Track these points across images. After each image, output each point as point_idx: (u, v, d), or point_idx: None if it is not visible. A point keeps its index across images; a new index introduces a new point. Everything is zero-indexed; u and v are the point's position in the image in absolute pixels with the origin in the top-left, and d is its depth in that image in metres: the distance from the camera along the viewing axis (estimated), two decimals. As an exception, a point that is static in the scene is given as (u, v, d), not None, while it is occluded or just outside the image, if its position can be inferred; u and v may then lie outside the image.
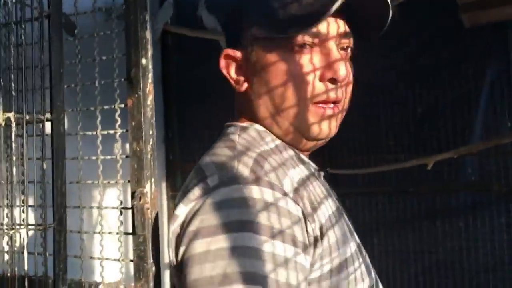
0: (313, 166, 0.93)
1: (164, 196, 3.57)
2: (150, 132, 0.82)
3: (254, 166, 0.73)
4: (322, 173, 0.96)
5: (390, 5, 0.80)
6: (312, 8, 0.72)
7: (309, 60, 0.78)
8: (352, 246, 0.84)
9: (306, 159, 0.92)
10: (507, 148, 2.77)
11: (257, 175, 0.71)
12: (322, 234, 0.73)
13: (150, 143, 0.82)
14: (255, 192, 0.68)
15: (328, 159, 3.17)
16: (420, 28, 2.88)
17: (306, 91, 0.78)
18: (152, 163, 0.83)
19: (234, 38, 0.87)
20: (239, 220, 0.64)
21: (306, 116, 0.81)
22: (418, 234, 2.96)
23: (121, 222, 1.35)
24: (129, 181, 0.84)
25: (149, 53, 0.84)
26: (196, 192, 0.71)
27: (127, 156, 0.83)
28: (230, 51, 0.86)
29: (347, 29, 0.82)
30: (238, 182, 0.69)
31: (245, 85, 0.85)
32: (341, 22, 0.81)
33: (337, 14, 0.78)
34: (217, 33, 3.01)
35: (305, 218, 0.72)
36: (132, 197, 0.79)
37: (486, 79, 2.83)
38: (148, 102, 0.81)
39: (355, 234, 0.94)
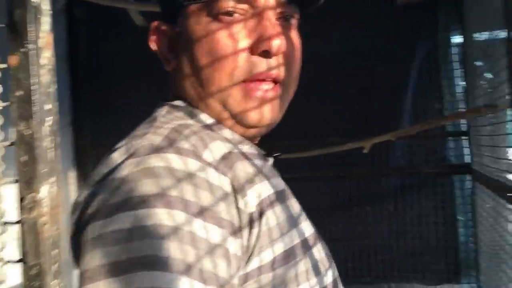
0: (257, 148, 0.77)
1: (72, 187, 3.18)
2: (49, 106, 0.51)
3: (169, 134, 0.62)
4: (270, 159, 0.78)
5: None
6: None
7: (238, 30, 0.66)
8: (304, 233, 0.70)
9: (245, 140, 0.74)
10: (434, 131, 2.74)
11: (169, 142, 0.60)
12: (260, 212, 0.60)
13: (48, 123, 0.52)
14: (165, 160, 0.56)
15: (267, 143, 2.98)
16: (353, 7, 2.74)
17: (232, 65, 0.66)
18: (50, 153, 0.53)
19: (165, 9, 0.75)
20: (143, 195, 0.53)
21: (237, 96, 0.68)
22: (349, 219, 2.87)
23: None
24: (16, 181, 0.54)
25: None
26: (100, 171, 0.60)
27: (12, 144, 0.54)
28: (159, 24, 0.74)
29: None
30: (145, 152, 0.58)
31: (174, 62, 0.73)
32: None
33: None
34: (129, 2, 2.67)
35: (234, 191, 0.59)
36: (21, 206, 0.51)
37: (415, 59, 2.78)
38: (44, 61, 0.51)
39: (309, 223, 0.76)
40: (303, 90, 2.85)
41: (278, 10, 0.69)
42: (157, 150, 0.58)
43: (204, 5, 0.67)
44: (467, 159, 2.69)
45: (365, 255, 2.82)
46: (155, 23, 0.74)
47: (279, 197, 0.68)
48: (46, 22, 0.56)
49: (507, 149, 1.90)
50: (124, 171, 0.56)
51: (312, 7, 0.74)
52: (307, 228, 0.73)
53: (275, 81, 0.69)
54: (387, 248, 2.83)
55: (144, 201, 0.52)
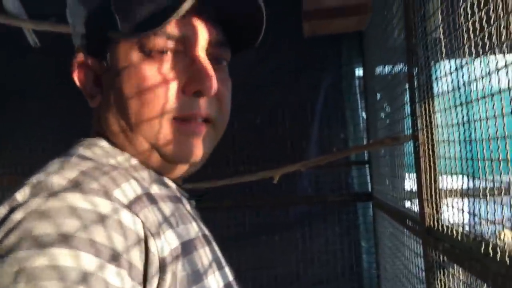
0: (180, 192, 0.74)
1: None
2: None
3: (77, 176, 0.56)
4: (192, 202, 0.74)
5: (264, 15, 0.70)
6: (166, 5, 0.61)
7: (170, 68, 0.65)
8: (220, 280, 0.67)
9: (170, 182, 0.72)
10: (339, 161, 2.82)
11: (75, 183, 0.55)
12: (174, 257, 0.58)
13: None
14: (69, 200, 0.51)
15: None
16: (264, 34, 2.77)
17: (164, 102, 0.64)
18: None
19: (91, 42, 0.68)
20: (40, 235, 0.47)
21: (167, 133, 0.66)
22: (256, 249, 2.84)
23: None
24: None
25: None
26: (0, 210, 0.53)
27: None
28: (84, 58, 0.69)
29: (221, 38, 0.70)
30: (48, 193, 0.52)
31: (99, 98, 0.69)
32: (213, 29, 0.68)
33: (210, 21, 0.68)
34: (25, 21, 2.48)
35: (147, 235, 0.55)
36: None
37: (321, 91, 2.86)
38: None
39: (227, 269, 0.72)
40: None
41: (211, 51, 0.68)
42: (60, 191, 0.52)
43: (136, 41, 0.64)
44: (370, 187, 2.80)
45: (273, 284, 2.80)
46: (80, 57, 0.69)
47: (199, 242, 0.66)
48: None
49: (404, 177, 1.99)
50: (20, 214, 0.50)
51: (245, 50, 0.75)
52: (225, 276, 0.69)
53: (205, 120, 0.69)
54: (295, 276, 2.84)
55: (41, 242, 0.46)
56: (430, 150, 1.47)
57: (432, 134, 1.45)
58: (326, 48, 2.84)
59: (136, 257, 0.52)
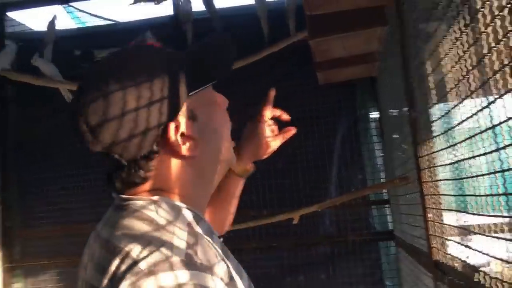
0: (216, 232, 0.81)
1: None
2: None
3: (188, 243, 0.67)
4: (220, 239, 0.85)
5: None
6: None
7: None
8: None
9: (211, 226, 0.80)
10: (358, 200, 2.91)
11: (190, 258, 0.65)
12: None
13: None
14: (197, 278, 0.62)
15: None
16: (280, 84, 2.96)
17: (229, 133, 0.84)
18: None
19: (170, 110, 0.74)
20: None
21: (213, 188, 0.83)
22: (282, 289, 2.92)
23: None
24: None
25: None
26: (131, 278, 0.62)
27: None
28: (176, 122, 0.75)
29: None
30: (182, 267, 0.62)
31: (197, 149, 0.77)
32: None
33: None
34: (70, 84, 2.73)
35: None
36: None
37: (338, 134, 3.00)
38: None
39: None
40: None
41: None
42: (188, 266, 0.63)
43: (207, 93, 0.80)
44: (391, 226, 2.87)
45: (300, 326, 2.85)
46: (173, 123, 0.73)
47: (238, 275, 0.74)
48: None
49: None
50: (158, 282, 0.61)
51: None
52: None
53: None
54: (321, 318, 2.89)
55: None
56: (433, 188, 1.56)
57: (434, 173, 1.55)
58: (341, 93, 2.99)
59: None
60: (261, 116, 1.10)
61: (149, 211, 0.72)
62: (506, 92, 0.80)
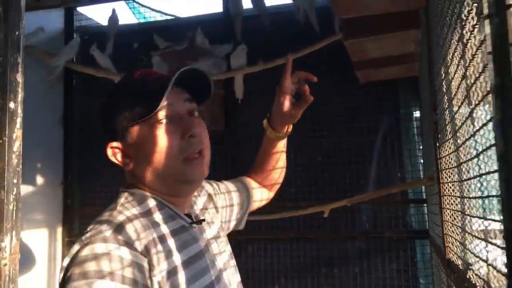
0: (185, 219, 1.06)
1: (59, 243, 3.36)
2: (15, 181, 0.77)
3: (116, 226, 0.91)
4: (193, 225, 1.03)
5: (210, 81, 1.05)
6: (153, 96, 0.97)
7: (170, 128, 0.99)
8: (211, 282, 1.00)
9: (180, 213, 1.06)
10: (396, 198, 2.95)
11: (115, 236, 0.89)
12: (168, 278, 0.91)
13: (14, 192, 0.77)
14: (110, 248, 0.87)
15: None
16: (321, 82, 3.04)
17: (175, 150, 0.99)
18: (14, 214, 0.78)
19: (113, 131, 1.04)
20: (95, 270, 0.84)
21: (182, 168, 1.00)
22: (316, 280, 3.02)
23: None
24: (-11, 233, 0.78)
25: (19, 97, 0.80)
26: (75, 246, 0.90)
27: (-13, 206, 0.78)
28: (113, 144, 1.03)
29: (190, 98, 1.04)
30: (98, 241, 0.88)
31: (131, 164, 1.03)
32: (182, 94, 1.03)
33: (178, 89, 1.02)
34: (117, 74, 2.96)
35: (150, 266, 0.90)
36: (-11, 251, 0.74)
37: (379, 132, 3.04)
38: (15, 149, 0.76)
39: (224, 273, 1.07)
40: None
41: (188, 109, 1.04)
42: (104, 240, 0.88)
43: (143, 121, 0.99)
44: (428, 225, 2.88)
45: (332, 316, 2.95)
46: (111, 144, 1.03)
47: (191, 261, 0.97)
48: (18, 122, 0.81)
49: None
50: (86, 252, 0.87)
51: (205, 101, 1.09)
52: (216, 277, 0.99)
53: (199, 152, 1.02)
54: (353, 310, 2.97)
55: (96, 274, 0.84)
56: (451, 189, 1.61)
57: (451, 174, 1.60)
58: (384, 91, 3.02)
59: (140, 277, 0.87)
60: (281, 87, 1.23)
61: (119, 200, 1.00)
62: None
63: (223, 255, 1.11)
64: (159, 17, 4.01)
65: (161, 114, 0.98)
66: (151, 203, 1.01)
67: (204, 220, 1.09)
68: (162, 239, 0.94)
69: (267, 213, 2.78)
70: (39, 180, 3.19)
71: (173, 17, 4.05)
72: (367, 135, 3.04)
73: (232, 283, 1.10)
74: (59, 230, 3.35)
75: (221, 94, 3.21)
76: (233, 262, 1.16)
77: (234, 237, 3.19)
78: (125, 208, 0.97)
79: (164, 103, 0.97)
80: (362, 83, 2.90)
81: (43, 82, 3.23)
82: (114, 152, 1.03)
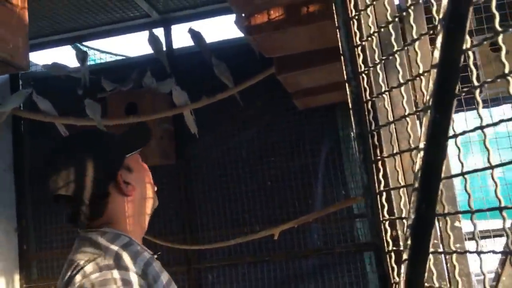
0: (149, 252, 1.18)
1: (18, 290, 3.35)
2: None
3: (115, 257, 1.03)
4: (155, 256, 1.16)
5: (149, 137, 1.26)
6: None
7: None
8: None
9: (144, 247, 1.18)
10: (343, 214, 3.14)
11: (117, 263, 1.01)
12: None
13: None
14: (117, 274, 0.98)
15: (191, 235, 3.31)
16: (264, 111, 3.24)
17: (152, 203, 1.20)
18: None
19: (110, 168, 1.17)
20: None
21: (147, 217, 1.20)
22: (275, 300, 3.15)
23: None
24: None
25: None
26: (78, 277, 0.98)
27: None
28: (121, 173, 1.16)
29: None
30: (106, 269, 0.99)
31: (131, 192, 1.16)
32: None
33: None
34: (66, 119, 3.03)
35: (149, 287, 1.02)
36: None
37: (321, 154, 3.24)
38: None
39: None
40: (225, 185, 3.29)
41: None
42: (109, 267, 0.99)
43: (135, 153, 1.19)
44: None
45: (293, 333, 3.07)
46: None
47: (168, 285, 1.10)
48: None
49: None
50: (95, 279, 0.97)
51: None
52: None
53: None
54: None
55: None
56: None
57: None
58: (323, 116, 3.23)
59: None
60: None
61: (97, 238, 1.09)
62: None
63: None
64: (109, 58, 4.13)
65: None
66: (123, 238, 1.10)
67: (159, 252, 1.23)
68: (147, 264, 1.06)
69: (223, 241, 2.90)
70: (-7, 228, 3.19)
71: (122, 58, 4.17)
72: (311, 158, 3.23)
73: None
74: (17, 277, 3.34)
75: (171, 130, 3.34)
76: None
77: (194, 266, 3.32)
78: (108, 243, 1.06)
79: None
80: (302, 110, 3.10)
81: (-10, 131, 3.26)
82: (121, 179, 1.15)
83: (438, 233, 0.73)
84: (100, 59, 4.08)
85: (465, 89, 0.54)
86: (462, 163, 0.54)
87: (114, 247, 1.06)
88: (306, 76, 2.37)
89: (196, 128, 3.15)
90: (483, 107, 0.52)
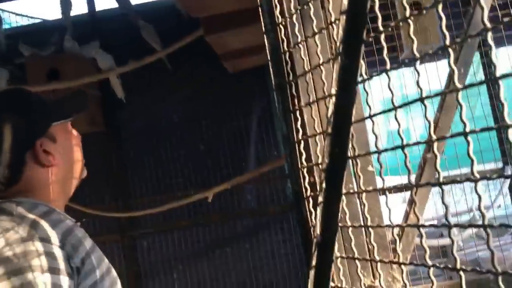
0: (71, 219, 1.15)
1: None
2: None
3: (31, 225, 0.99)
4: (78, 224, 1.13)
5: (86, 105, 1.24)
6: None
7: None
8: (107, 269, 1.10)
9: (66, 215, 1.14)
10: (275, 174, 3.21)
11: (30, 233, 0.96)
12: (82, 264, 1.00)
13: None
14: (31, 245, 0.94)
15: (123, 203, 3.26)
16: (194, 75, 3.20)
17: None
18: None
19: (30, 133, 1.11)
20: (21, 266, 0.92)
21: (73, 186, 1.15)
22: (212, 261, 3.20)
23: None
24: None
25: None
26: None
27: None
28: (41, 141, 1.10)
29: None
30: (19, 241, 0.94)
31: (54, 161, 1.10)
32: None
33: None
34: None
35: (68, 256, 0.99)
36: None
37: (253, 116, 3.27)
38: None
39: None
40: (157, 151, 3.24)
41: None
42: (22, 239, 0.94)
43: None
44: (305, 195, 3.18)
45: (230, 292, 3.16)
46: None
47: (92, 249, 1.06)
48: None
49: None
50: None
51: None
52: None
53: None
54: (248, 283, 3.20)
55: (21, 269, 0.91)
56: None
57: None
58: (254, 78, 3.24)
59: (62, 265, 0.95)
60: None
61: (12, 207, 1.03)
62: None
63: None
64: (26, 22, 3.88)
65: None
66: (42, 208, 1.06)
67: (84, 219, 1.20)
68: (66, 234, 1.03)
69: (157, 207, 2.89)
70: None
71: (41, 21, 3.93)
72: (243, 120, 3.25)
73: (117, 279, 1.21)
74: None
75: (98, 95, 3.23)
76: None
77: (128, 234, 3.29)
78: (25, 212, 1.02)
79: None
80: (232, 73, 3.09)
81: None
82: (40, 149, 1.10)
83: (354, 178, 0.77)
84: (16, 23, 3.83)
85: (372, 34, 0.56)
86: (370, 107, 0.56)
87: (31, 216, 1.03)
88: (234, 37, 2.35)
89: (123, 93, 3.07)
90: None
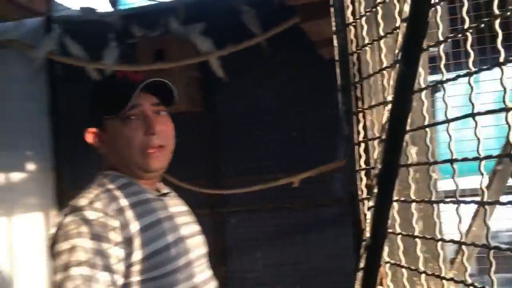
0: (152, 192, 1.29)
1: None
2: None
3: (92, 199, 1.16)
4: (165, 196, 1.31)
5: (173, 89, 1.26)
6: (124, 97, 1.20)
7: (136, 124, 1.22)
8: (175, 240, 1.22)
9: (147, 189, 1.29)
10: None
11: (90, 205, 1.14)
12: (135, 236, 1.13)
13: None
14: (87, 214, 1.12)
15: (214, 181, 3.42)
16: (290, 61, 3.22)
17: (138, 143, 1.22)
18: None
19: (94, 121, 1.29)
20: (74, 233, 1.09)
21: (142, 159, 1.23)
22: (294, 245, 3.26)
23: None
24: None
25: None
26: (60, 218, 1.16)
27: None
28: (91, 130, 1.28)
29: (155, 100, 1.26)
30: (77, 210, 1.14)
31: (105, 148, 1.27)
32: (150, 97, 1.25)
33: (148, 93, 1.23)
34: (97, 63, 3.11)
35: (121, 227, 1.12)
36: None
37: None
38: None
39: (187, 241, 1.28)
40: (251, 133, 3.35)
41: (153, 109, 1.25)
42: (82, 209, 1.13)
43: (116, 116, 1.23)
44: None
45: (310, 278, 3.19)
46: (89, 130, 1.28)
47: (151, 224, 1.19)
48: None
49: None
50: (67, 220, 1.12)
51: (171, 105, 1.29)
52: (183, 239, 1.25)
53: (159, 147, 1.24)
54: (333, 270, 3.21)
55: (75, 235, 1.09)
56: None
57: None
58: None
59: (113, 235, 1.10)
60: None
61: (98, 178, 1.26)
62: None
63: (187, 228, 1.32)
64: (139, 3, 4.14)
65: (130, 112, 1.21)
66: (122, 181, 1.24)
67: (168, 193, 1.33)
68: (131, 206, 1.17)
69: (247, 186, 2.99)
70: (30, 166, 3.38)
71: (153, 2, 4.17)
72: (336, 108, 3.21)
73: (194, 251, 1.30)
74: (52, 213, 3.56)
75: (197, 76, 3.38)
76: (199, 237, 1.37)
77: (217, 210, 3.44)
78: (99, 185, 1.21)
79: (132, 103, 1.20)
80: (327, 59, 3.06)
81: (27, 73, 3.38)
82: (91, 136, 1.28)
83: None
84: (131, 4, 4.09)
85: (432, 44, 0.54)
86: (424, 117, 0.55)
87: (109, 186, 1.20)
88: (330, 25, 2.33)
89: (222, 72, 3.18)
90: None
